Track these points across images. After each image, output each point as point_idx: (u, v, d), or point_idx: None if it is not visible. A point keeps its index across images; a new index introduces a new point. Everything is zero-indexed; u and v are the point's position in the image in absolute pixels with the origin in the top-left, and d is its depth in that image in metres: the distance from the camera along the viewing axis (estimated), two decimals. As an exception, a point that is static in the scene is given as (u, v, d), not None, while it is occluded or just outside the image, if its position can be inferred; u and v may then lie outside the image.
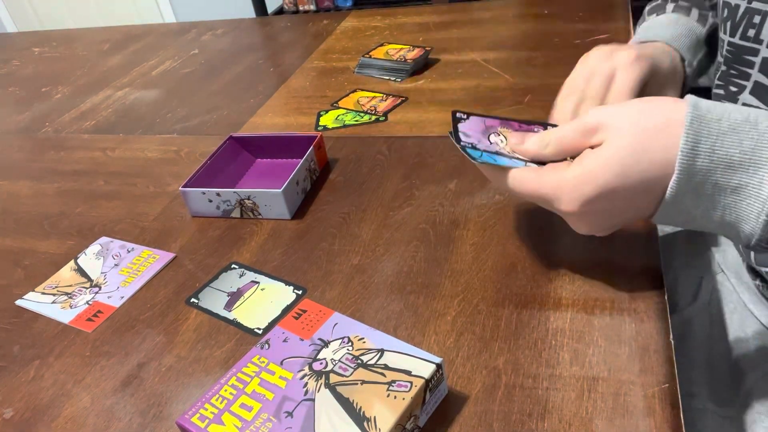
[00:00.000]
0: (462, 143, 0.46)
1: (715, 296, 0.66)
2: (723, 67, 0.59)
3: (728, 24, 0.55)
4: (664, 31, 0.60)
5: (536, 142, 0.44)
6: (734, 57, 0.56)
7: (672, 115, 0.39)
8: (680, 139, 0.38)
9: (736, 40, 0.55)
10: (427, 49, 0.94)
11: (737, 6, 0.54)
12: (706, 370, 0.61)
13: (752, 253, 0.59)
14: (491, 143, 0.47)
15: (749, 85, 0.56)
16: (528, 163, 0.45)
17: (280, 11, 2.52)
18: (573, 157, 0.43)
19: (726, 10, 0.56)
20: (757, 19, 0.52)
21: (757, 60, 0.54)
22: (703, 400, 0.59)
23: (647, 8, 0.68)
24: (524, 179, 0.43)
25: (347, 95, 0.88)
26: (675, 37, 0.60)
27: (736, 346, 0.61)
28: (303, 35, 1.16)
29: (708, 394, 0.59)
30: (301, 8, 2.48)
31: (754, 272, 0.63)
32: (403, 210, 0.61)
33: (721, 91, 0.60)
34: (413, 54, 0.93)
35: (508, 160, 0.45)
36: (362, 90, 0.89)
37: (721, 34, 0.58)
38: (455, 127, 0.47)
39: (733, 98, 0.58)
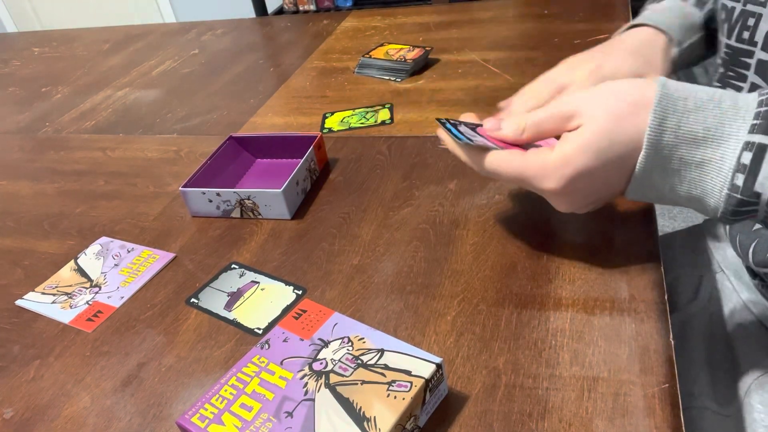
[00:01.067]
0: (448, 126, 0.48)
1: (715, 295, 0.66)
2: (721, 69, 0.59)
3: (725, 26, 0.56)
4: (656, 16, 0.61)
5: (513, 128, 0.47)
6: (731, 59, 0.57)
7: (643, 95, 0.42)
8: (648, 117, 0.41)
9: (732, 42, 0.55)
10: (427, 49, 0.94)
11: (733, 8, 0.54)
12: (706, 369, 0.61)
13: (750, 255, 0.59)
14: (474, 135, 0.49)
15: (746, 86, 0.56)
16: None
17: (280, 11, 2.52)
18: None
19: (723, 13, 0.56)
20: (751, 21, 0.52)
21: (753, 62, 0.54)
22: (703, 399, 0.59)
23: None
24: (511, 161, 0.46)
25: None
26: (665, 20, 0.61)
27: (737, 346, 0.61)
28: (303, 35, 1.16)
29: (708, 393, 0.59)
30: (301, 8, 2.48)
31: (753, 272, 0.63)
32: (403, 210, 0.61)
33: None
34: (413, 54, 0.93)
35: (490, 144, 0.47)
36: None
37: (720, 36, 0.58)
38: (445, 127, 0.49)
39: None
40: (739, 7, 0.54)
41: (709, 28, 0.63)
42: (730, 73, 0.58)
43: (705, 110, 0.41)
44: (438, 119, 0.51)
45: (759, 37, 0.52)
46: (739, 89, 0.57)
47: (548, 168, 0.44)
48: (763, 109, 0.40)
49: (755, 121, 0.39)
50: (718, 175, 0.41)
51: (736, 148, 0.40)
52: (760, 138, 0.39)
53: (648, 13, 0.63)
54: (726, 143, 0.40)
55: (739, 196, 0.40)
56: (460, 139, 0.47)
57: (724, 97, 0.41)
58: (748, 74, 0.55)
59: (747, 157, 0.39)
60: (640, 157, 0.42)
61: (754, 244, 0.58)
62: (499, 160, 0.46)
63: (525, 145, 0.47)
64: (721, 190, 0.41)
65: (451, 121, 0.51)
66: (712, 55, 0.66)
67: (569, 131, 0.44)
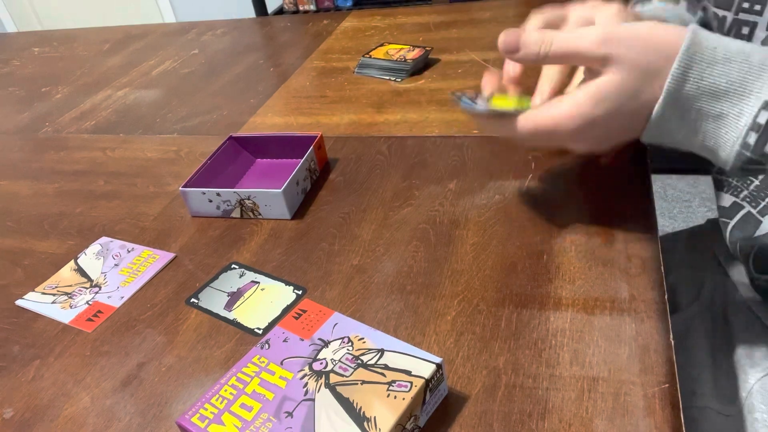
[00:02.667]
0: (464, 100, 0.50)
1: (717, 295, 0.66)
2: None
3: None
4: (653, 15, 0.61)
5: (535, 44, 0.46)
6: None
7: (673, 42, 0.41)
8: (672, 65, 0.40)
9: None
10: (427, 49, 0.94)
11: (724, 18, 0.54)
12: (709, 369, 0.61)
13: (750, 262, 0.59)
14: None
15: None
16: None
17: (280, 11, 2.52)
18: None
19: (716, 22, 0.55)
20: (745, 30, 0.52)
21: None
22: (706, 399, 0.59)
23: (633, 0, 0.67)
24: (536, 112, 0.45)
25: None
26: (665, 20, 0.60)
27: (739, 345, 0.61)
28: (303, 35, 1.16)
29: (710, 393, 0.59)
30: (301, 8, 2.48)
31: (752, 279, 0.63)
32: (403, 210, 0.61)
33: None
34: (413, 54, 0.93)
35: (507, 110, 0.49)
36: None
37: None
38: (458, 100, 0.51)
39: None
40: (730, 16, 0.53)
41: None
42: None
43: (732, 62, 0.40)
44: (453, 93, 0.51)
45: None
46: None
47: (565, 113, 0.44)
48: None
49: None
50: (733, 130, 0.40)
51: (755, 105, 0.39)
52: None
53: (642, 7, 0.63)
54: (746, 99, 0.39)
55: (749, 154, 0.40)
56: (476, 109, 0.48)
57: (754, 52, 0.40)
58: None
59: (764, 117, 0.39)
60: (658, 103, 0.41)
61: (754, 251, 0.58)
62: (523, 118, 0.46)
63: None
64: (732, 146, 0.40)
65: (467, 95, 0.51)
66: None
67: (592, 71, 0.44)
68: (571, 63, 0.47)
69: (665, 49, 0.41)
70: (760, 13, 0.50)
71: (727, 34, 0.53)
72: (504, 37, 0.47)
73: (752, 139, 0.39)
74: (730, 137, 0.41)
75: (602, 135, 0.45)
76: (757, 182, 0.57)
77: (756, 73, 0.39)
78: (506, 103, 0.52)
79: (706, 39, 0.41)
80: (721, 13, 0.54)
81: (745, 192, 0.58)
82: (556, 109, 0.44)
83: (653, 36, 0.42)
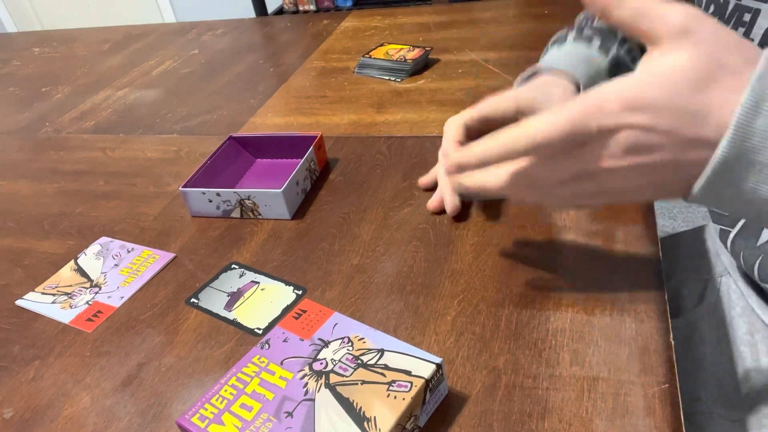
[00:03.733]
0: None
1: (721, 299, 0.66)
2: None
3: None
4: (560, 61, 0.60)
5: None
6: None
7: (748, 56, 0.33)
8: (743, 93, 0.32)
9: None
10: (427, 49, 0.94)
11: (726, 3, 0.50)
12: (713, 373, 0.61)
13: (756, 270, 0.58)
14: None
15: None
16: None
17: (280, 11, 2.52)
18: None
19: (712, 6, 0.52)
20: (747, 17, 0.48)
21: None
22: (710, 403, 0.59)
23: (551, 41, 0.67)
24: (551, 114, 0.35)
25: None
26: (571, 65, 0.59)
27: (743, 349, 0.60)
28: (303, 35, 1.16)
29: (714, 397, 0.59)
30: (301, 8, 2.48)
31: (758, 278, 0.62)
32: (403, 210, 0.61)
33: None
34: (413, 54, 0.93)
35: None
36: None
37: None
38: None
39: None
40: (732, 1, 0.50)
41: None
42: None
43: None
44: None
45: (755, 34, 0.48)
46: None
47: (618, 91, 0.34)
48: None
49: None
50: None
51: None
52: None
53: (550, 57, 0.62)
54: None
55: None
56: None
57: None
58: None
59: None
60: (723, 141, 0.32)
61: (759, 260, 0.57)
62: (534, 125, 0.35)
63: None
64: None
65: None
66: None
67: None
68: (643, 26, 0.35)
69: (738, 53, 0.33)
70: (765, 0, 0.46)
71: (727, 21, 0.50)
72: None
73: None
74: None
75: (649, 151, 0.34)
76: None
77: None
78: None
79: None
80: None
81: None
82: (612, 83, 0.34)
83: (724, 36, 0.34)
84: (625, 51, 0.61)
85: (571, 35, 0.64)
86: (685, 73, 0.33)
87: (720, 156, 0.33)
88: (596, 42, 0.61)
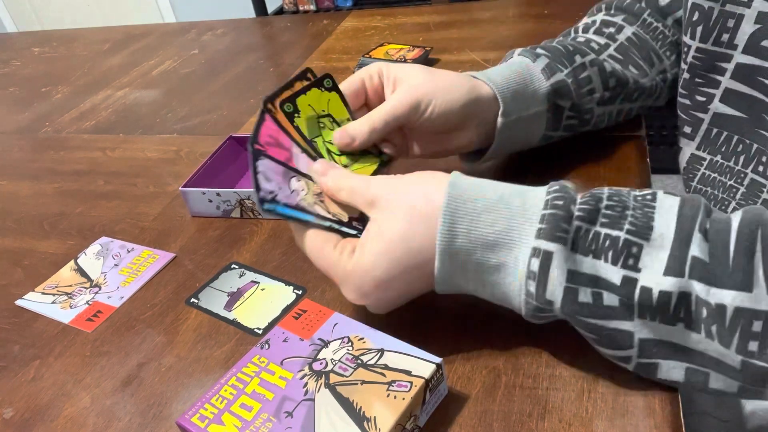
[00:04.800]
0: (261, 194, 0.44)
1: None
2: (686, 75, 0.55)
3: (699, 28, 0.52)
4: (495, 72, 0.55)
5: (332, 185, 0.45)
6: (703, 64, 0.53)
7: (434, 197, 0.40)
8: (438, 222, 0.39)
9: (708, 45, 0.52)
10: (427, 49, 0.94)
11: (711, 9, 0.50)
12: None
13: None
14: (292, 192, 0.45)
15: (718, 93, 0.53)
16: (326, 219, 0.45)
17: (280, 11, 2.52)
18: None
19: (697, 14, 0.52)
20: (731, 22, 0.49)
21: (730, 66, 0.51)
22: (704, 405, 0.59)
23: (506, 55, 0.61)
24: (321, 256, 0.44)
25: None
26: (501, 80, 0.54)
27: None
28: (303, 35, 1.16)
29: (709, 399, 0.59)
30: (301, 8, 2.48)
31: None
32: (403, 210, 0.61)
33: (687, 101, 0.56)
34: (413, 54, 0.93)
35: (308, 215, 0.44)
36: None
37: (688, 40, 0.54)
38: (254, 167, 0.45)
39: (702, 108, 0.55)
40: (717, 7, 0.50)
41: (556, 104, 0.56)
42: (699, 80, 0.54)
43: (494, 212, 0.39)
44: (253, 150, 0.46)
45: (740, 40, 0.49)
46: (710, 96, 0.54)
47: (349, 277, 0.42)
48: (548, 211, 0.38)
49: (540, 225, 0.38)
50: (514, 279, 0.39)
51: (526, 253, 0.38)
52: (546, 244, 0.37)
53: (491, 68, 0.57)
54: (517, 248, 0.39)
55: (534, 302, 0.39)
56: (275, 213, 0.44)
57: (513, 196, 0.40)
58: (722, 80, 0.52)
59: (535, 264, 0.38)
60: (436, 263, 0.40)
61: None
62: (311, 247, 0.44)
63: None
64: (519, 294, 0.40)
65: (257, 147, 0.46)
66: (557, 137, 0.59)
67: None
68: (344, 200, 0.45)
69: (427, 194, 0.41)
70: (747, 5, 0.47)
71: (712, 27, 0.51)
72: (317, 166, 0.47)
73: (532, 287, 0.38)
74: (514, 287, 0.39)
75: (389, 295, 0.43)
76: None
77: (519, 219, 0.39)
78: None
79: (466, 190, 0.40)
80: (707, 4, 0.50)
81: (733, 204, 0.57)
82: (344, 265, 0.42)
83: (415, 183, 0.42)
84: (581, 78, 0.56)
85: (519, 48, 0.60)
86: (390, 246, 0.41)
87: (437, 272, 0.41)
88: (541, 62, 0.56)
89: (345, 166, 0.49)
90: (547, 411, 0.40)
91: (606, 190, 0.39)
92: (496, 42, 0.97)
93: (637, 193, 0.39)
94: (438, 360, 0.40)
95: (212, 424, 0.39)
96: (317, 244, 0.44)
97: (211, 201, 0.64)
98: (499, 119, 0.54)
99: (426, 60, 0.93)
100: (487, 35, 1.01)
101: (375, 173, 0.50)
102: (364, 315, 0.49)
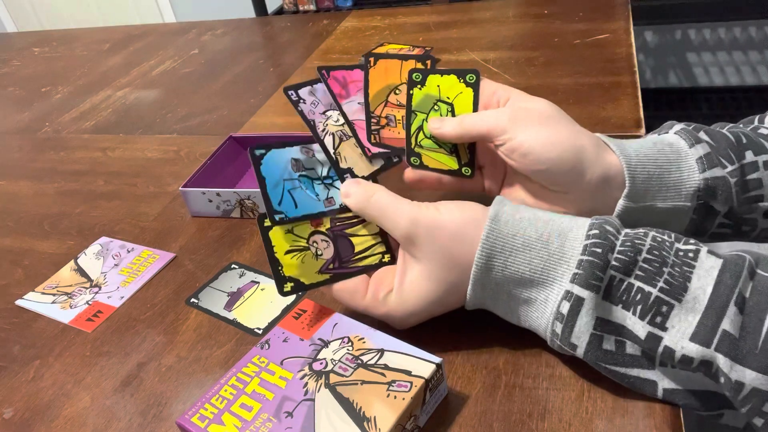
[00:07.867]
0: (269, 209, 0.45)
1: None
2: None
3: None
4: (627, 142, 0.46)
5: (359, 199, 0.46)
6: None
7: (473, 236, 0.41)
8: (476, 253, 0.40)
9: None
10: (427, 49, 0.94)
11: None
12: None
13: None
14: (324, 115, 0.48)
15: None
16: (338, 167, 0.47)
17: (280, 11, 2.52)
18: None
19: None
20: None
21: None
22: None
23: (662, 125, 0.51)
24: (355, 305, 0.45)
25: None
26: (632, 152, 0.44)
27: None
28: (303, 35, 1.16)
29: None
30: (301, 8, 2.48)
31: None
32: (403, 210, 0.61)
33: None
34: (413, 54, 0.93)
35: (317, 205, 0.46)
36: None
37: None
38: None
39: None
40: None
41: (708, 206, 0.45)
42: None
43: (532, 250, 0.40)
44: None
45: None
46: None
47: (388, 317, 0.44)
48: (585, 258, 0.38)
49: (576, 271, 0.38)
50: (542, 316, 0.41)
51: (558, 293, 0.39)
52: (578, 290, 0.38)
53: (631, 140, 0.47)
54: (550, 287, 0.40)
55: (558, 342, 0.40)
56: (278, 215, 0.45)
57: (552, 236, 0.40)
58: None
59: (565, 307, 0.39)
60: (468, 290, 0.42)
61: None
62: (341, 300, 0.45)
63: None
64: (545, 330, 0.41)
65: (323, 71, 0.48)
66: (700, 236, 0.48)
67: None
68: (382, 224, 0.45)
69: (468, 239, 0.41)
70: None
71: None
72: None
73: (558, 328, 0.39)
74: (542, 322, 0.41)
75: (426, 315, 0.44)
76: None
77: (556, 260, 0.39)
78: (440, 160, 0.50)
79: (506, 224, 0.40)
80: None
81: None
82: (385, 304, 0.44)
83: (456, 223, 0.42)
84: (749, 180, 0.44)
85: (678, 126, 0.48)
86: (431, 286, 0.42)
87: (468, 300, 0.43)
88: (701, 148, 0.44)
89: (422, 148, 0.50)
90: (547, 411, 0.40)
91: (648, 242, 0.38)
92: (496, 42, 0.97)
93: (681, 246, 0.38)
94: (438, 360, 0.40)
95: (212, 424, 0.39)
96: (345, 298, 0.45)
97: (211, 201, 0.64)
98: (621, 201, 0.44)
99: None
100: (487, 35, 1.01)
101: (380, 170, 0.50)
102: (364, 315, 0.49)
